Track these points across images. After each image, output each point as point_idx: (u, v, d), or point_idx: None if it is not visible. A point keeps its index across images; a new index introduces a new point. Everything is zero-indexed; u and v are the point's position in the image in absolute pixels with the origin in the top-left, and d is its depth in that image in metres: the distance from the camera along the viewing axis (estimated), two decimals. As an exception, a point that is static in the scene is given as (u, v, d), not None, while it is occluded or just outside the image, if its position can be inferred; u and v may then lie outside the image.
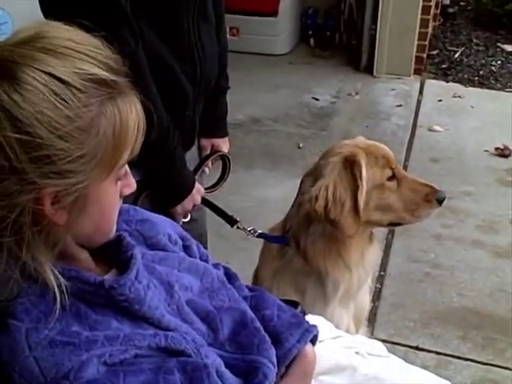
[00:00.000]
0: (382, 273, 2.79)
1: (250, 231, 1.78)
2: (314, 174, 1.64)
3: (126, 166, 0.97)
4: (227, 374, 0.99)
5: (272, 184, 3.41)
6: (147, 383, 0.87)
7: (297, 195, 1.71)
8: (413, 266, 2.83)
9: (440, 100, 4.43)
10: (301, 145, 3.79)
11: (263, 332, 1.10)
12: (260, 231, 1.79)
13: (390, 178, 1.63)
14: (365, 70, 4.81)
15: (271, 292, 1.64)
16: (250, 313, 1.13)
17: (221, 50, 1.73)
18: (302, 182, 1.69)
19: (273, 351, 1.09)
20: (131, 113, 0.90)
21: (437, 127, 4.05)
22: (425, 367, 2.23)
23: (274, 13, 5.10)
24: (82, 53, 0.86)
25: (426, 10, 4.76)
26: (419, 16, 4.69)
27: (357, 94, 4.53)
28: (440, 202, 1.66)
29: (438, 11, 5.67)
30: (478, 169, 3.60)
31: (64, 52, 0.84)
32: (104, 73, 0.86)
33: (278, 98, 4.44)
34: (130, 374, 0.86)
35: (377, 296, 2.65)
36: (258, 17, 5.10)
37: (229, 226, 1.83)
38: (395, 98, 4.46)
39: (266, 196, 3.31)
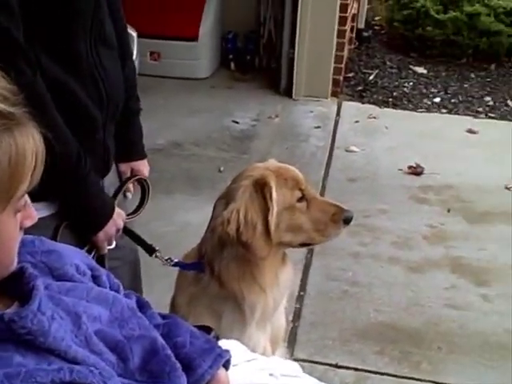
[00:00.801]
0: (301, 293, 2.84)
1: (166, 260, 1.79)
2: (225, 198, 1.67)
3: (27, 197, 0.97)
4: None
5: (193, 208, 3.42)
6: None
7: (210, 219, 1.74)
8: (331, 285, 2.90)
9: (356, 121, 4.58)
10: (222, 168, 3.83)
11: (174, 359, 1.11)
12: (176, 260, 1.80)
13: (300, 199, 1.67)
14: (284, 93, 4.91)
15: (187, 319, 1.66)
16: (161, 340, 1.14)
17: (128, 72, 1.75)
18: (214, 206, 1.72)
19: (184, 378, 1.11)
20: (28, 143, 0.90)
21: (353, 147, 4.18)
22: (344, 384, 2.32)
23: (194, 37, 5.15)
24: None
25: (341, 33, 4.92)
26: (335, 40, 4.84)
27: (277, 116, 4.62)
28: (347, 221, 1.71)
29: (354, 35, 5.88)
30: (392, 187, 3.73)
31: None
32: (0, 104, 0.87)
33: (199, 121, 4.48)
34: None
35: (297, 316, 2.70)
36: (178, 41, 5.14)
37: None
38: (314, 120, 4.57)
39: (188, 220, 3.32)
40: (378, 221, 3.40)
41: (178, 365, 1.11)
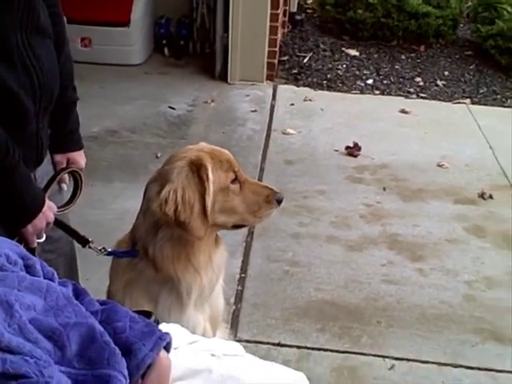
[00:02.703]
0: (242, 275, 2.86)
1: (100, 250, 1.77)
2: (159, 180, 1.66)
3: None
4: None
5: (132, 195, 3.34)
6: None
7: (142, 203, 1.73)
8: (272, 266, 2.93)
9: (292, 104, 4.62)
10: (159, 154, 3.79)
11: (113, 345, 1.10)
12: (109, 249, 1.78)
13: (233, 181, 1.70)
14: (220, 78, 4.90)
15: (124, 305, 1.65)
16: (99, 327, 1.13)
17: (64, 60, 1.71)
18: (146, 189, 1.71)
19: (123, 363, 1.10)
20: None
21: (290, 130, 4.21)
22: (286, 362, 2.36)
23: (126, 23, 5.07)
24: None
25: (274, 17, 4.94)
26: (268, 23, 4.86)
27: (213, 101, 4.60)
28: (279, 202, 1.75)
29: (287, 18, 5.90)
30: (330, 168, 3.79)
31: None
32: None
33: (134, 108, 4.42)
34: None
35: (238, 298, 2.72)
36: (110, 27, 5.05)
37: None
38: (250, 104, 4.58)
39: (127, 208, 3.25)
40: (317, 201, 3.45)
41: (118, 351, 1.10)
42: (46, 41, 1.60)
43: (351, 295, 2.76)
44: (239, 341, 2.45)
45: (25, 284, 1.09)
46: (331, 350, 2.47)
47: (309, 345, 2.49)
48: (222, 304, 1.93)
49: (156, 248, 1.68)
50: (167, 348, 1.22)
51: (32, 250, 1.59)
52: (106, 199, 3.35)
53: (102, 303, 1.26)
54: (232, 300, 2.70)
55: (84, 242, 1.79)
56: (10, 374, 0.91)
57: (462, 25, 6.14)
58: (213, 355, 1.40)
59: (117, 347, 1.11)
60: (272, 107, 4.58)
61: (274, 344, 2.49)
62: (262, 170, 3.74)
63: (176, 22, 5.41)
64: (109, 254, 1.77)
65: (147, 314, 1.35)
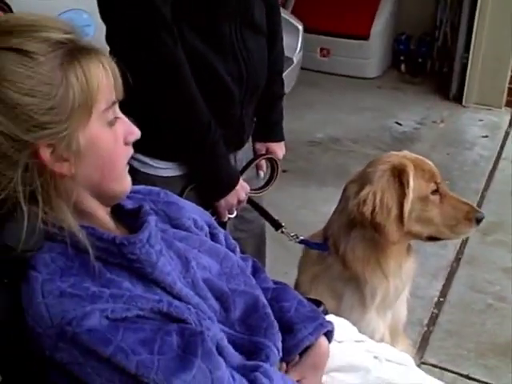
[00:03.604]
0: (441, 299, 2.73)
1: (292, 236, 1.82)
2: (359, 181, 1.68)
3: (121, 114, 1.04)
4: (229, 348, 1.04)
5: (342, 202, 3.41)
6: (144, 340, 0.93)
7: (339, 201, 1.75)
8: (475, 296, 2.75)
9: (530, 134, 4.30)
10: (377, 166, 3.78)
11: (272, 318, 1.16)
12: (302, 237, 1.83)
13: (434, 192, 1.67)
14: (453, 99, 4.74)
15: (310, 295, 1.68)
16: (263, 299, 1.18)
17: (275, 57, 1.81)
18: (345, 188, 1.73)
19: (279, 336, 1.14)
20: (93, 61, 0.98)
21: (522, 160, 3.93)
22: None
23: (366, 36, 5.12)
24: (36, 25, 0.96)
25: (522, 41, 4.65)
26: (515, 46, 4.59)
27: (442, 122, 4.46)
28: (479, 221, 1.69)
29: (539, 44, 5.50)
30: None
31: (22, 27, 0.96)
32: (58, 35, 0.96)
33: (360, 119, 4.46)
34: (129, 330, 0.93)
35: (432, 321, 2.60)
36: (349, 39, 5.14)
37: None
38: (482, 129, 4.36)
39: (335, 213, 3.32)
40: (538, 239, 3.16)
41: (276, 324, 1.16)
42: (258, 36, 1.70)
43: (560, 344, 2.49)
44: (424, 363, 2.36)
45: (205, 247, 1.17)
46: (524, 396, 2.26)
47: (501, 384, 2.31)
48: (405, 315, 1.88)
49: (348, 246, 1.69)
50: (329, 337, 1.24)
51: (223, 224, 1.70)
52: (317, 202, 3.42)
53: (275, 283, 1.32)
54: (425, 322, 2.60)
55: (277, 225, 1.87)
56: (173, 317, 0.99)
57: None
58: (375, 357, 1.37)
59: (275, 321, 1.16)
60: (506, 135, 4.30)
61: (461, 375, 2.34)
62: (482, 197, 3.53)
63: (417, 39, 5.34)
64: (301, 242, 1.82)
65: (317, 303, 1.39)
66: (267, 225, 2.00)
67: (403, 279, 1.71)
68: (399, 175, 1.63)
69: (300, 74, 4.14)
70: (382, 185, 1.62)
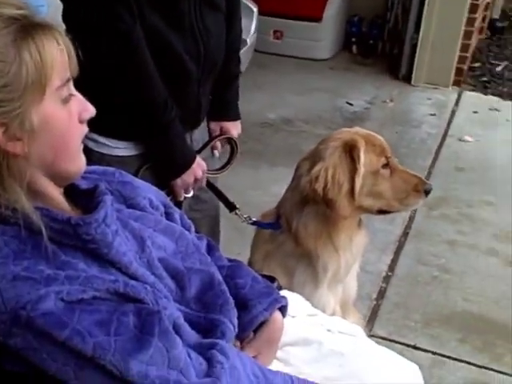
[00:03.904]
0: (389, 273, 2.81)
1: (245, 218, 1.85)
2: (311, 159, 1.71)
3: (75, 92, 1.03)
4: (186, 326, 1.06)
5: (294, 182, 3.46)
6: (101, 322, 0.93)
7: (292, 179, 1.78)
8: (421, 269, 2.84)
9: (475, 112, 4.41)
10: (328, 146, 3.84)
11: (228, 295, 1.18)
12: (254, 219, 1.86)
13: (384, 166, 1.70)
14: (403, 79, 4.81)
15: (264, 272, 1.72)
16: (218, 277, 1.20)
17: (233, 36, 1.82)
18: (297, 166, 1.76)
19: (234, 312, 1.16)
20: (47, 37, 0.96)
21: (467, 137, 4.03)
22: (419, 366, 2.28)
23: (318, 18, 5.15)
24: None
25: (470, 22, 4.74)
26: (463, 27, 4.67)
27: (391, 101, 4.54)
28: (427, 192, 1.73)
29: (486, 25, 5.63)
30: (504, 180, 3.55)
31: None
32: (11, 11, 0.95)
33: (312, 100, 4.50)
34: (85, 312, 0.93)
35: (381, 295, 2.67)
36: (302, 21, 5.16)
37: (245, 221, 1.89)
38: (430, 108, 4.45)
39: (287, 193, 3.36)
40: (482, 212, 3.27)
41: (231, 300, 1.17)
42: (217, 15, 1.71)
43: (501, 311, 2.59)
44: (373, 336, 2.43)
45: (160, 226, 1.18)
46: (468, 363, 2.34)
47: (445, 353, 2.39)
48: (355, 289, 1.92)
49: (300, 223, 1.73)
50: (283, 312, 1.27)
51: (179, 204, 1.71)
52: (268, 182, 3.45)
53: (230, 260, 1.34)
54: (374, 296, 2.67)
55: (231, 207, 1.88)
56: (130, 297, 0.99)
57: None
58: (328, 330, 1.41)
59: (231, 297, 1.18)
60: (453, 113, 4.41)
61: (408, 345, 2.42)
62: (429, 173, 3.62)
63: (368, 22, 5.40)
64: (253, 223, 1.85)
65: (271, 279, 1.41)
66: (221, 206, 2.02)
67: (354, 253, 1.75)
68: (350, 151, 1.66)
69: (253, 56, 4.16)
70: (334, 161, 1.66)
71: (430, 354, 2.38)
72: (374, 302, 2.63)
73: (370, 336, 2.39)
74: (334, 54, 5.30)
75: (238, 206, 1.91)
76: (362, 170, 1.66)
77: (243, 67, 3.79)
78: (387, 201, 1.73)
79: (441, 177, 3.57)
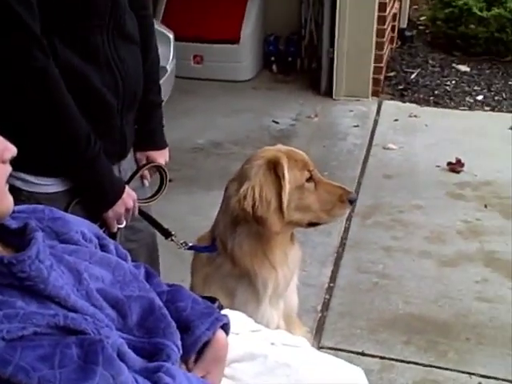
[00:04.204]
0: (331, 284, 2.88)
1: (181, 244, 1.88)
2: (238, 179, 1.76)
3: None
4: (130, 353, 1.08)
5: (230, 204, 3.50)
6: (44, 356, 0.95)
7: (222, 201, 1.82)
8: (361, 277, 2.93)
9: (396, 120, 4.59)
10: (259, 166, 3.90)
11: (169, 318, 1.20)
12: (191, 244, 1.89)
13: (308, 180, 1.77)
14: (325, 94, 4.96)
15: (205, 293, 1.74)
16: (158, 301, 1.23)
17: (150, 66, 1.85)
18: (226, 187, 1.81)
19: (177, 335, 1.19)
20: None
21: (391, 145, 4.19)
22: (368, 371, 2.35)
23: (235, 40, 5.25)
24: None
25: (380, 33, 4.94)
26: (374, 39, 4.87)
27: (316, 116, 4.67)
28: (351, 202, 1.82)
29: (396, 34, 5.87)
30: (429, 183, 3.73)
31: None
32: None
33: (239, 122, 4.57)
34: (27, 348, 0.95)
35: (325, 306, 2.74)
36: (220, 44, 5.25)
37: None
38: (353, 119, 4.60)
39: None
40: (413, 216, 3.41)
41: (173, 323, 1.20)
42: (131, 46, 1.74)
43: (441, 310, 2.71)
44: (322, 347, 2.49)
45: (95, 258, 1.20)
46: (415, 363, 2.43)
47: (392, 356, 2.47)
48: (297, 303, 1.98)
49: (234, 243, 1.77)
50: (226, 330, 1.30)
51: (113, 235, 1.73)
52: (205, 207, 3.47)
53: (169, 285, 1.37)
54: (319, 308, 2.73)
55: (167, 234, 1.91)
56: (71, 329, 1.01)
57: None
58: (272, 344, 1.45)
59: (173, 321, 1.20)
60: (375, 122, 4.57)
61: (356, 353, 2.49)
62: (359, 183, 3.74)
63: (285, 40, 5.54)
64: (190, 248, 1.88)
65: (212, 300, 1.45)
66: (158, 234, 2.03)
67: (290, 267, 1.81)
68: (274, 168, 1.72)
69: (176, 83, 4.19)
70: (260, 179, 1.71)
71: (378, 359, 2.46)
72: (320, 314, 2.70)
73: (319, 348, 2.46)
74: (255, 74, 5.40)
75: (173, 233, 1.94)
76: (287, 186, 1.72)
77: (166, 95, 3.83)
78: (315, 213, 1.79)
79: (371, 186, 3.70)
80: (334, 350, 2.48)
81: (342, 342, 2.54)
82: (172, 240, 1.89)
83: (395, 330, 2.60)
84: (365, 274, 2.95)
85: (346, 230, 3.28)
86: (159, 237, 2.05)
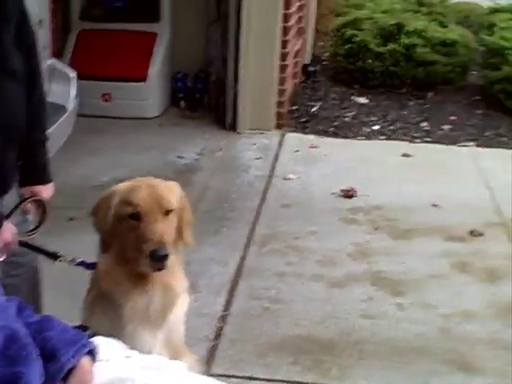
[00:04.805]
0: (225, 312, 2.97)
1: (70, 261, 1.91)
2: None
3: None
4: None
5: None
6: None
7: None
8: (253, 303, 3.03)
9: (297, 151, 4.78)
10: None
11: (32, 347, 1.24)
12: (80, 259, 1.92)
13: (134, 217, 1.74)
14: (230, 128, 5.12)
15: (89, 320, 1.80)
16: (24, 331, 1.27)
17: (34, 104, 1.91)
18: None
19: (40, 362, 1.24)
20: None
21: (291, 175, 4.36)
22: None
23: (143, 78, 5.37)
24: None
25: (283, 68, 5.17)
26: (277, 74, 5.08)
27: (220, 150, 4.81)
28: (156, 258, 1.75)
29: (300, 70, 6.13)
30: (324, 210, 3.90)
31: None
32: None
33: (145, 158, 4.64)
34: None
35: (218, 334, 2.82)
36: (128, 82, 5.35)
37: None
38: (255, 152, 4.77)
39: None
40: (307, 242, 3.56)
41: (35, 351, 1.25)
42: (16, 84, 1.79)
43: (326, 330, 2.84)
44: (212, 375, 2.56)
45: None
46: (299, 383, 2.54)
47: (279, 377, 2.57)
48: (182, 332, 1.95)
49: (100, 263, 1.80)
50: (94, 356, 1.36)
51: None
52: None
53: (41, 317, 1.42)
54: (212, 336, 2.81)
55: (54, 256, 1.92)
56: None
57: (473, 72, 6.22)
58: (142, 368, 1.52)
59: (36, 349, 1.25)
60: (277, 154, 4.75)
61: (245, 377, 2.57)
62: (258, 213, 3.88)
63: (193, 77, 5.69)
64: (79, 263, 1.91)
65: (84, 328, 1.51)
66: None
67: (156, 293, 1.84)
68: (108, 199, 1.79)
69: (84, 121, 4.24)
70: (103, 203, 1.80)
71: (264, 382, 2.55)
72: (212, 343, 2.77)
73: (210, 375, 2.53)
74: (162, 111, 5.51)
75: (60, 253, 1.94)
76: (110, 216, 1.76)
77: (66, 133, 3.89)
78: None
79: (269, 215, 3.84)
80: (224, 376, 2.55)
81: (231, 368, 2.63)
82: (60, 260, 1.93)
83: (283, 353, 2.71)
84: (257, 301, 3.05)
85: (242, 259, 3.39)
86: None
